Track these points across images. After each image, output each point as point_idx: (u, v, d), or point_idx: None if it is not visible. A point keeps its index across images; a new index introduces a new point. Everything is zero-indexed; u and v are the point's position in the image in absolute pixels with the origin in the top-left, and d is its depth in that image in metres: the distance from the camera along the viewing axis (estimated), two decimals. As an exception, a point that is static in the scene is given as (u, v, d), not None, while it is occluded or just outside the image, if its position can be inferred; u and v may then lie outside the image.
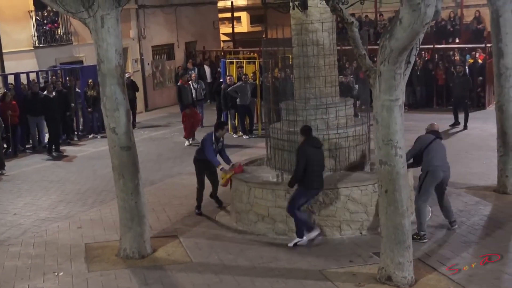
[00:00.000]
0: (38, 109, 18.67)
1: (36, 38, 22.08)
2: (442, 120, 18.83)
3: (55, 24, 22.63)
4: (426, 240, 10.07)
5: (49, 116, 18.38)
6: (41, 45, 22.20)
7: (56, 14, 22.27)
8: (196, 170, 12.30)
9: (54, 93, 18.57)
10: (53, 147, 18.39)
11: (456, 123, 18.95)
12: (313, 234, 10.25)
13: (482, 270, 8.86)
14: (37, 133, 19.23)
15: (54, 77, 21.13)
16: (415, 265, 8.80)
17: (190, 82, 20.18)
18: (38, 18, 22.12)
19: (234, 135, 19.49)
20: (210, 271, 9.41)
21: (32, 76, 20.36)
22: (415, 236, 9.87)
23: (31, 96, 18.82)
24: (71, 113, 19.97)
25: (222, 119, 20.68)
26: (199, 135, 18.82)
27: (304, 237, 10.13)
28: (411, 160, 10.43)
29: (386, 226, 8.57)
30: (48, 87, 18.77)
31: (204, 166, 12.06)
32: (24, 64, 20.87)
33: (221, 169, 11.61)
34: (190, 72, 23.33)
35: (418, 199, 10.27)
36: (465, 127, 18.76)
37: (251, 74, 19.82)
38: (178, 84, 19.88)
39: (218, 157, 11.96)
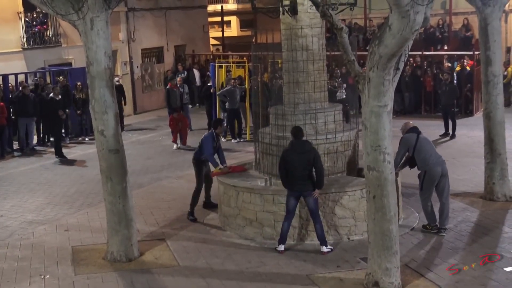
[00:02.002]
0: (29, 111, 18.67)
1: (25, 39, 22.00)
2: (431, 127, 18.95)
3: (44, 26, 22.57)
4: (436, 230, 10.70)
5: (53, 118, 18.33)
6: (30, 47, 22.13)
7: (45, 15, 22.21)
8: (196, 171, 12.11)
9: (60, 96, 18.55)
10: (60, 148, 18.28)
11: (446, 133, 18.94)
12: (280, 247, 10.19)
13: (469, 276, 8.90)
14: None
15: (41, 78, 21.07)
16: (402, 270, 8.82)
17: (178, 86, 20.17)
18: (27, 19, 22.05)
19: (223, 139, 19.50)
20: (197, 275, 9.39)
21: (21, 77, 20.27)
22: (427, 227, 10.86)
23: (22, 98, 18.75)
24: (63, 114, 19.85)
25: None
26: (190, 139, 18.87)
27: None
28: (403, 160, 10.88)
29: (374, 231, 8.59)
30: (55, 89, 18.74)
31: (204, 166, 12.07)
32: (13, 65, 20.79)
33: (219, 169, 11.58)
34: (177, 76, 23.29)
35: (420, 197, 10.90)
36: (453, 136, 18.74)
37: (237, 77, 19.81)
38: (167, 87, 19.85)
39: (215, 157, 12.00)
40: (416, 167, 10.83)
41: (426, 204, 10.80)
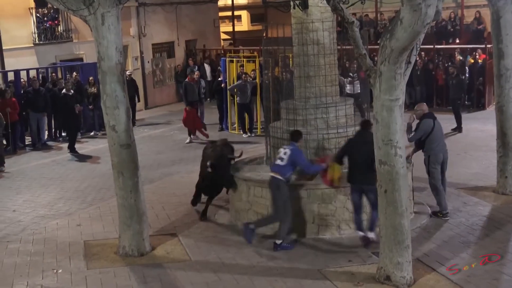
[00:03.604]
0: (40, 106, 18.77)
1: (36, 35, 22.09)
2: (443, 121, 18.61)
3: (55, 21, 22.64)
4: (449, 218, 10.94)
5: (68, 113, 18.40)
6: (41, 42, 22.21)
7: (56, 11, 22.27)
8: (281, 195, 10.08)
9: (72, 91, 18.62)
10: (73, 144, 18.34)
11: (458, 126, 18.84)
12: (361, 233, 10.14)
13: (481, 271, 8.87)
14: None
15: (53, 74, 21.16)
16: (414, 265, 8.80)
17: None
18: (38, 15, 22.14)
19: (244, 135, 19.47)
20: (209, 270, 9.41)
21: (32, 73, 20.37)
22: (438, 214, 11.08)
23: (33, 93, 18.84)
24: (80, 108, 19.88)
25: (223, 117, 20.69)
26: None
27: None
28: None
29: (385, 226, 8.57)
30: (67, 84, 18.82)
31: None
32: (24, 61, 20.88)
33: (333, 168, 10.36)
34: (194, 70, 23.20)
35: (431, 181, 11.18)
36: (460, 129, 18.60)
37: (251, 72, 19.83)
38: (185, 81, 19.69)
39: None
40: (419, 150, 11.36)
41: (437, 190, 11.07)
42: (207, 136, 18.57)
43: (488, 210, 11.55)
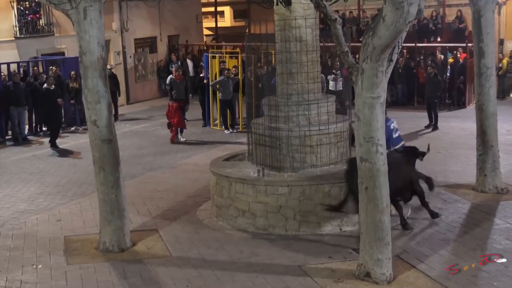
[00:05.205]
0: (21, 100, 18.63)
1: (17, 28, 21.86)
2: (422, 118, 19.04)
3: (37, 15, 22.42)
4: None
5: (50, 108, 18.24)
6: (22, 36, 21.99)
7: (38, 4, 22.07)
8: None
9: (53, 86, 18.46)
10: (55, 139, 18.17)
11: (430, 124, 19.00)
12: None
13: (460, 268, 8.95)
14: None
15: (35, 68, 21.00)
16: (394, 262, 8.85)
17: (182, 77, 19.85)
18: (20, 8, 21.92)
19: (226, 131, 19.41)
20: (189, 266, 9.41)
21: (13, 66, 20.21)
22: None
23: (13, 87, 18.70)
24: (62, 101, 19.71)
25: (205, 113, 20.64)
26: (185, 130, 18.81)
27: None
28: None
29: (366, 223, 8.61)
30: (49, 79, 18.67)
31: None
32: (5, 54, 20.68)
33: None
34: (173, 66, 23.05)
35: None
36: (435, 127, 18.74)
37: (233, 68, 19.79)
38: (170, 77, 19.34)
39: None
40: None
41: None
42: (172, 139, 18.34)
43: (467, 207, 11.65)
